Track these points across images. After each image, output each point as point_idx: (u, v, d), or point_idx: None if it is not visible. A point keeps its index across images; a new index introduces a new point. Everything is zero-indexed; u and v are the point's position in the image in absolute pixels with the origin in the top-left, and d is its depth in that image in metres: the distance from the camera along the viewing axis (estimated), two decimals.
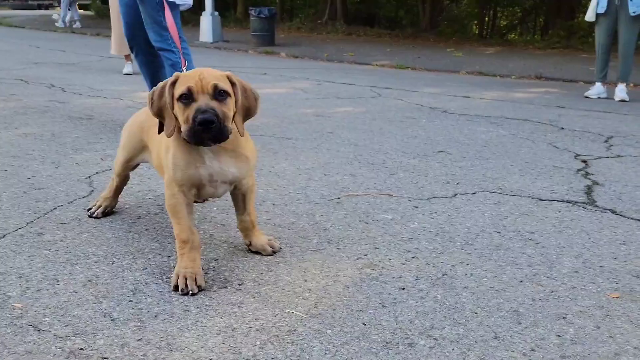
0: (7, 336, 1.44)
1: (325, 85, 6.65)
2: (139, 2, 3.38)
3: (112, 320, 1.54)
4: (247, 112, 1.74)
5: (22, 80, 5.95)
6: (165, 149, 1.76)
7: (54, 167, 2.89)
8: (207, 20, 13.30)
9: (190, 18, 16.77)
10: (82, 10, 36.96)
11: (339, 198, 2.59)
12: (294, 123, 4.26)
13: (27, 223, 2.17)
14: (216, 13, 13.54)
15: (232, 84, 1.66)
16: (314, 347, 1.44)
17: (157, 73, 3.71)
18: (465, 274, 1.87)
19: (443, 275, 1.86)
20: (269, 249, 1.96)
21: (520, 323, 1.57)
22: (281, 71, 8.15)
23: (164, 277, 1.79)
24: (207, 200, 2.33)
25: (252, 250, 1.98)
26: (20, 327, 1.48)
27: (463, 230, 2.24)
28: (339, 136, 3.85)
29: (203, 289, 1.70)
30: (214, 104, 1.57)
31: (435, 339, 1.49)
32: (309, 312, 1.61)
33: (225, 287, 1.73)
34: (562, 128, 4.37)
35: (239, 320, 1.55)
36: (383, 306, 1.65)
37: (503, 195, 2.69)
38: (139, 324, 1.52)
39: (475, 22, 25.34)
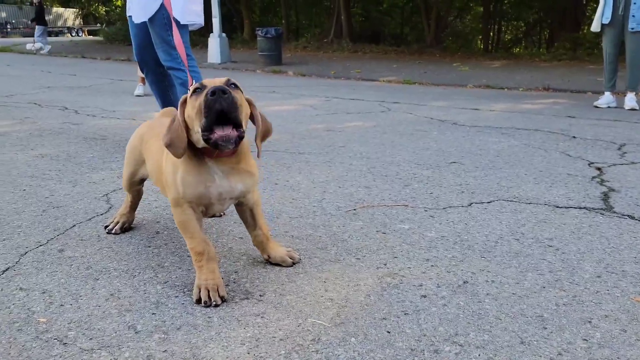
0: (34, 350, 1.45)
1: (334, 102, 6.69)
2: (148, 23, 3.44)
3: (136, 332, 1.54)
4: (265, 134, 1.81)
5: (35, 103, 6.03)
6: (172, 168, 1.75)
7: (72, 185, 2.92)
8: (215, 42, 13.47)
9: (198, 40, 17.00)
10: (91, 36, 37.57)
11: (354, 209, 2.60)
12: (305, 138, 4.28)
13: (48, 240, 2.19)
14: (224, 34, 13.72)
15: (252, 105, 1.73)
16: (339, 355, 1.43)
17: (167, 92, 3.75)
18: (487, 281, 1.86)
19: (464, 282, 1.85)
20: (289, 260, 1.96)
21: (545, 328, 1.56)
22: (290, 89, 8.22)
23: (185, 290, 1.79)
24: (214, 216, 2.33)
25: (272, 263, 1.98)
26: (46, 342, 1.49)
27: (481, 239, 2.24)
28: (350, 150, 3.86)
29: (225, 300, 1.70)
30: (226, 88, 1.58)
31: (460, 345, 1.48)
32: (331, 321, 1.60)
33: (247, 298, 1.73)
34: (573, 137, 4.36)
35: (262, 330, 1.55)
36: (406, 314, 1.64)
37: (519, 204, 2.68)
38: (163, 335, 1.53)
39: (480, 37, 25.48)
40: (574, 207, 2.63)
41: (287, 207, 2.63)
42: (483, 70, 11.73)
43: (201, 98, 1.53)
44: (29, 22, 19.86)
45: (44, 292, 1.77)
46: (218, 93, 1.50)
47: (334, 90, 8.23)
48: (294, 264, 1.98)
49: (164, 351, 1.45)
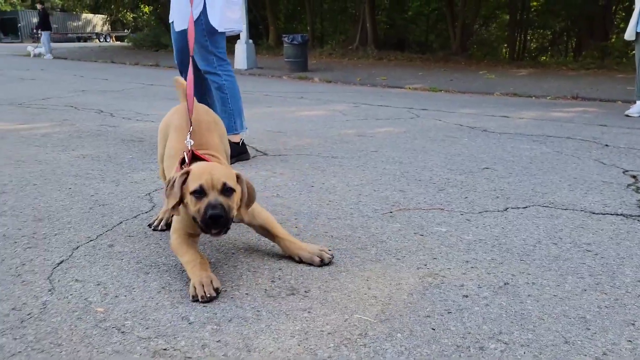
0: (94, 337, 1.52)
1: (362, 108, 6.74)
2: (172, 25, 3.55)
3: (189, 323, 1.61)
4: (249, 203, 1.93)
5: (71, 106, 6.20)
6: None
7: (114, 185, 3.01)
8: (241, 48, 13.64)
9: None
10: (118, 42, 38.24)
11: (391, 212, 2.64)
12: (337, 143, 4.34)
13: (97, 236, 2.27)
14: (250, 41, 13.89)
15: (239, 180, 1.87)
16: (386, 349, 1.48)
17: (204, 96, 3.84)
18: (527, 283, 1.88)
19: (505, 284, 1.88)
20: (317, 259, 2.02)
21: (588, 329, 1.58)
22: (317, 95, 8.29)
23: (232, 284, 1.85)
24: None
25: (307, 263, 2.04)
26: (105, 330, 1.56)
27: (519, 242, 2.26)
28: (383, 155, 3.91)
29: (220, 292, 1.78)
30: (222, 199, 1.76)
31: (505, 343, 1.51)
32: (376, 317, 1.65)
33: (293, 294, 1.79)
34: (606, 145, 4.34)
35: (310, 324, 1.60)
36: (449, 312, 1.68)
37: (555, 209, 2.69)
38: (215, 327, 1.59)
39: (505, 45, 25.33)
40: (611, 214, 2.63)
41: (325, 208, 2.68)
42: (510, 78, 11.68)
43: (200, 206, 1.75)
44: (34, 29, 20.30)
45: (98, 284, 1.84)
46: (215, 219, 1.72)
47: (361, 96, 8.28)
48: (323, 263, 2.01)
49: (217, 341, 1.51)
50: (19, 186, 2.95)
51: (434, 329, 1.58)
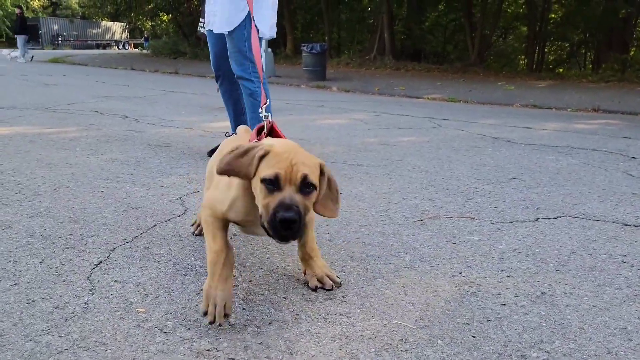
0: (138, 337, 1.54)
1: (383, 117, 6.75)
2: (227, 35, 3.58)
3: (230, 325, 1.62)
4: (333, 198, 1.64)
5: (97, 112, 6.29)
6: (227, 182, 1.67)
7: (145, 189, 3.05)
8: (264, 54, 13.74)
9: None
10: (136, 49, 38.69)
11: (421, 220, 2.64)
12: (361, 151, 4.35)
13: (133, 238, 2.30)
14: (269, 50, 13.99)
15: (322, 173, 1.57)
16: (428, 355, 1.48)
17: (238, 102, 3.88)
18: (565, 293, 1.87)
19: (542, 293, 1.87)
20: (315, 283, 1.84)
21: (631, 340, 1.57)
22: (337, 103, 8.33)
23: (269, 288, 1.87)
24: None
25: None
26: (148, 330, 1.58)
27: (553, 253, 2.25)
28: (408, 163, 3.91)
29: (229, 318, 1.60)
30: (298, 197, 1.45)
31: (547, 352, 1.50)
32: (416, 323, 1.65)
33: (330, 298, 1.80)
34: (633, 157, 4.31)
35: (350, 329, 1.61)
36: (488, 320, 1.68)
37: (587, 220, 2.68)
38: (256, 329, 1.60)
39: (523, 56, 25.24)
40: None
41: (355, 215, 2.69)
42: (529, 89, 11.63)
43: (270, 202, 1.44)
44: (14, 34, 20.64)
45: (137, 285, 1.87)
46: (286, 225, 1.40)
47: (381, 106, 8.30)
48: (322, 288, 1.84)
49: (259, 343, 1.52)
50: (53, 188, 3.00)
51: (474, 337, 1.58)
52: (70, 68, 17.05)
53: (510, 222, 2.63)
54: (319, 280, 1.85)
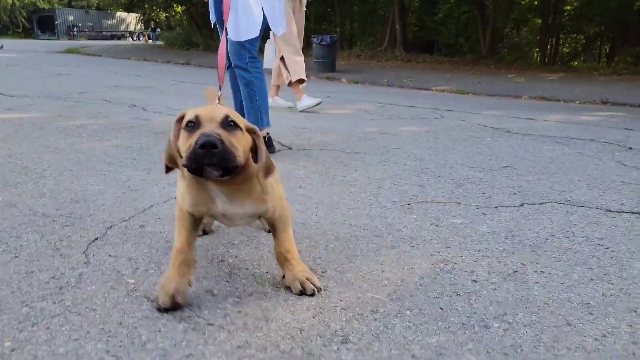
0: (126, 304, 1.66)
1: (387, 107, 6.82)
2: (218, 24, 3.68)
3: (213, 296, 1.73)
4: (266, 171, 1.59)
5: (106, 100, 6.43)
6: (180, 175, 1.66)
7: (146, 173, 3.17)
8: (271, 48, 13.76)
9: None
10: (150, 41, 38.93)
11: (409, 204, 2.73)
12: (360, 140, 4.43)
13: (130, 217, 2.42)
14: None
15: (256, 137, 1.57)
16: (395, 324, 1.57)
17: (238, 91, 3.97)
18: (536, 272, 1.96)
19: (514, 272, 1.96)
20: (298, 287, 1.73)
21: (591, 314, 1.65)
22: (344, 94, 8.40)
23: (254, 264, 1.97)
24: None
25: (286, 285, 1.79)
26: (136, 298, 1.69)
27: (532, 235, 2.33)
28: (404, 151, 3.99)
29: (179, 307, 1.62)
30: (221, 131, 1.42)
31: (509, 322, 1.59)
32: (388, 296, 1.74)
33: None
34: (630, 148, 4.35)
35: (325, 300, 1.71)
36: (458, 295, 1.77)
37: (571, 206, 2.75)
38: (237, 299, 1.70)
39: (536, 49, 25.04)
40: (627, 212, 2.67)
41: (345, 199, 2.78)
42: (539, 82, 11.59)
43: (191, 140, 1.41)
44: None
45: (130, 259, 1.98)
46: (207, 147, 1.36)
47: (388, 97, 8.35)
48: (303, 293, 1.73)
49: (238, 311, 1.63)
50: (57, 171, 3.12)
51: (441, 309, 1.67)
52: (84, 58, 17.27)
53: (495, 207, 2.71)
54: (289, 285, 1.76)
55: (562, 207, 2.74)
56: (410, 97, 8.39)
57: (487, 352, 1.45)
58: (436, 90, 9.99)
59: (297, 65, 5.99)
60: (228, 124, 1.46)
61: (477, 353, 1.44)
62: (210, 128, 1.41)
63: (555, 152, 4.12)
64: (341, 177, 3.22)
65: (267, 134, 3.85)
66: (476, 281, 1.87)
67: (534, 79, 12.27)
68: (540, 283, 1.86)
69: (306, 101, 6.14)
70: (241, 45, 3.62)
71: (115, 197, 2.69)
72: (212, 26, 3.90)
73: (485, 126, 5.37)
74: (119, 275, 1.85)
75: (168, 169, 1.60)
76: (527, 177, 3.31)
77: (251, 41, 3.65)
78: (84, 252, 2.03)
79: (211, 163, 1.39)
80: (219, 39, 3.79)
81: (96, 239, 2.17)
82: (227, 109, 1.51)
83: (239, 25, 3.56)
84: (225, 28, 2.88)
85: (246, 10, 3.53)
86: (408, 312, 1.64)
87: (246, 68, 3.72)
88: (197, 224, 1.73)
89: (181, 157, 1.49)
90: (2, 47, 19.28)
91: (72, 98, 6.53)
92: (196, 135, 1.40)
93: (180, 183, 1.69)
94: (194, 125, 1.45)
